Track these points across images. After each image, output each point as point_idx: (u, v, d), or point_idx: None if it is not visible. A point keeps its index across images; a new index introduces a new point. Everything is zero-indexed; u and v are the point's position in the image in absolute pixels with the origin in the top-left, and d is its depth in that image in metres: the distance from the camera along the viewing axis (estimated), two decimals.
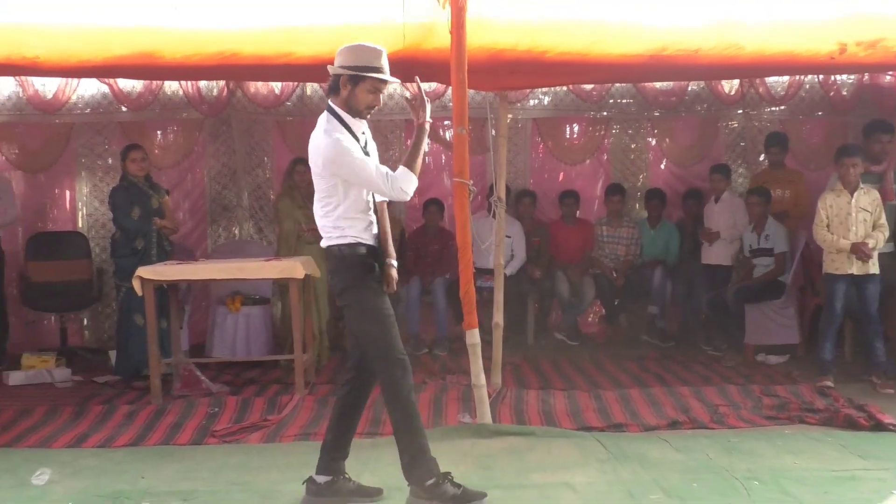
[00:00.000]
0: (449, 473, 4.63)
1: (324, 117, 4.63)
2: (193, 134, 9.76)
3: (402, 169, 4.58)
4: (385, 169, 4.57)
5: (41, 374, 7.91)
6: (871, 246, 7.00)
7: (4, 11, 5.76)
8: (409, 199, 4.73)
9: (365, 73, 4.49)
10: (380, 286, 4.69)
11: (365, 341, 4.71)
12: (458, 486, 4.60)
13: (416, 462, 4.60)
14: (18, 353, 8.40)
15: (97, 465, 5.51)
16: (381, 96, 4.65)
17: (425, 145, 4.72)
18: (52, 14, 5.82)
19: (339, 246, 4.63)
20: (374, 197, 4.70)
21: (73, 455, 5.74)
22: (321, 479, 4.78)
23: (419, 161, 4.65)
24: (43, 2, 5.79)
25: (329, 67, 4.60)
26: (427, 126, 4.67)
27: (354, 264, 4.62)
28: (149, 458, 5.62)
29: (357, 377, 4.85)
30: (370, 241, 4.66)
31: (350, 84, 4.52)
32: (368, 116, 4.69)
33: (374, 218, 4.71)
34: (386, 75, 4.56)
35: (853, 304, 7.20)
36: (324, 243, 4.72)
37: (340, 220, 4.61)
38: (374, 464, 5.29)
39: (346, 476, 4.82)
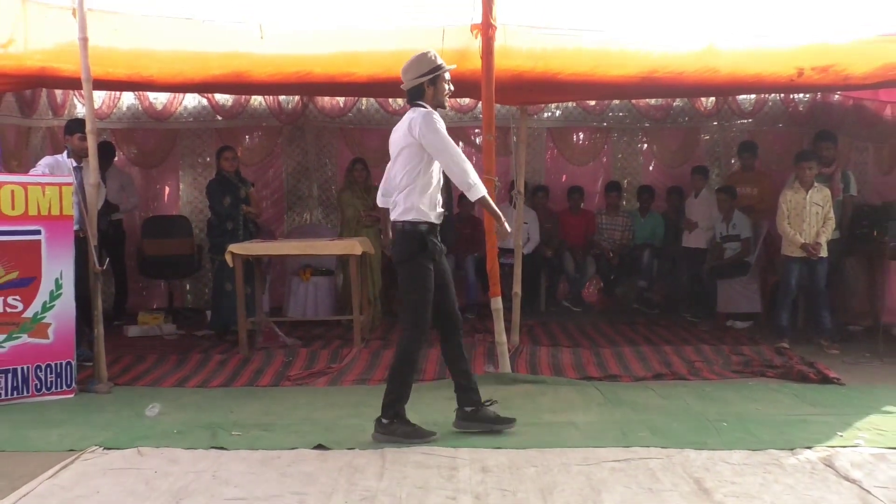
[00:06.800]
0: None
1: (415, 111, 4.53)
2: (274, 138, 9.76)
3: (481, 185, 4.49)
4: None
5: (153, 328, 8.00)
6: (821, 244, 6.97)
7: (127, 40, 5.85)
8: (464, 189, 4.45)
9: (438, 71, 4.56)
10: (430, 261, 4.57)
11: (405, 303, 4.69)
12: (413, 425, 4.62)
13: (393, 404, 4.60)
14: (135, 311, 8.50)
15: (197, 401, 5.57)
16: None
17: (492, 209, 4.64)
18: (163, 41, 5.89)
19: (403, 222, 4.52)
20: (442, 182, 4.60)
21: (177, 393, 5.80)
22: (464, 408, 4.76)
23: (487, 205, 4.60)
24: (157, 31, 5.85)
25: (406, 83, 4.58)
26: (501, 230, 4.67)
27: (413, 239, 4.52)
28: (237, 397, 5.67)
29: (442, 328, 4.77)
30: (433, 220, 4.56)
31: (432, 84, 4.56)
32: (448, 105, 4.68)
33: (440, 199, 4.59)
34: (449, 66, 4.64)
35: (805, 281, 7.15)
36: (393, 216, 4.60)
37: (414, 196, 4.49)
38: (418, 405, 5.25)
39: (487, 402, 4.79)
